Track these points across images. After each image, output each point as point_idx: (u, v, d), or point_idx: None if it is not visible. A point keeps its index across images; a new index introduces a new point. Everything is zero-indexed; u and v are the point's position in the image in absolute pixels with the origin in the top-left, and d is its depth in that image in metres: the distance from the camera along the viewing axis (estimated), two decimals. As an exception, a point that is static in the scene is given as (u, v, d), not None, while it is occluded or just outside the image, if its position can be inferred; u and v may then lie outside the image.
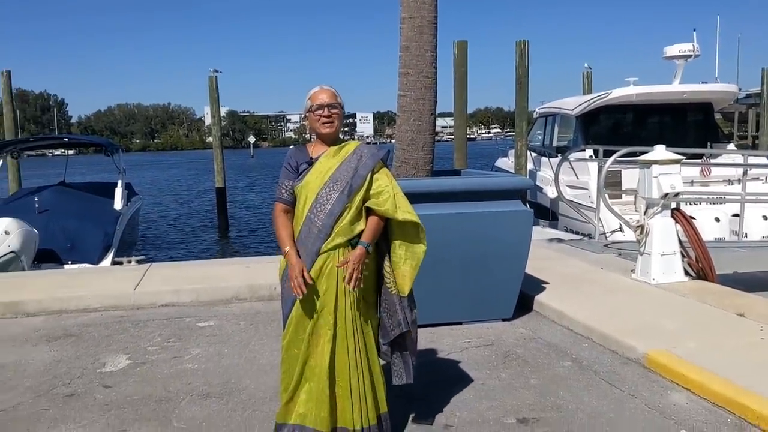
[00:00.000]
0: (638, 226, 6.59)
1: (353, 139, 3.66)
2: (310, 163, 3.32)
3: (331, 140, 3.36)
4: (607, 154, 9.73)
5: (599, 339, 5.01)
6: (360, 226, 3.25)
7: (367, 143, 3.69)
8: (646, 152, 6.84)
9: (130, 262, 10.59)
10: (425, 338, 5.20)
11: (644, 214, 6.59)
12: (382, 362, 3.45)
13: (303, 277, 3.13)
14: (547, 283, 6.35)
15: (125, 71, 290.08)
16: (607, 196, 8.25)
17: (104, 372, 4.66)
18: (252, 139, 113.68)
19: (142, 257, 11.24)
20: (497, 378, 4.40)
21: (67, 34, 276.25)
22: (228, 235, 20.45)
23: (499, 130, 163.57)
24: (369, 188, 3.27)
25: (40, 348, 5.26)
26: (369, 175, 3.27)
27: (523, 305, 5.85)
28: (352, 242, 3.22)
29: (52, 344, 5.34)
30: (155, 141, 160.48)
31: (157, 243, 18.99)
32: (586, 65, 24.58)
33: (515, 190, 5.52)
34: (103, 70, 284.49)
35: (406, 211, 3.30)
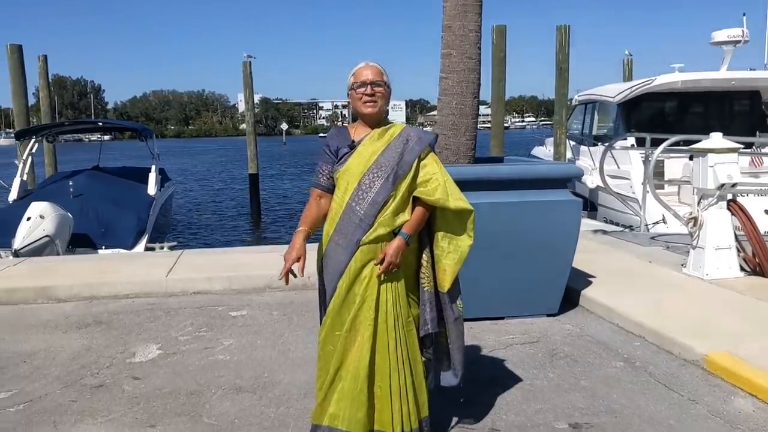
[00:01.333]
0: (691, 218, 6.23)
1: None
2: (352, 146, 3.05)
3: (375, 122, 3.08)
4: (654, 142, 9.32)
5: (653, 338, 4.70)
6: (404, 216, 2.99)
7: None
8: (695, 141, 6.48)
9: (162, 248, 10.51)
10: (468, 334, 4.87)
11: (698, 206, 6.23)
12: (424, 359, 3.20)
13: (293, 267, 2.95)
14: (593, 276, 6.05)
15: (161, 58, 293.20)
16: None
17: (134, 362, 4.51)
18: (284, 126, 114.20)
19: (174, 243, 11.14)
20: (545, 378, 4.13)
21: (103, 20, 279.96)
22: (260, 222, 20.36)
23: (533, 119, 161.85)
24: (416, 176, 3.00)
25: (70, 335, 5.13)
26: (416, 161, 3.00)
27: (569, 300, 5.56)
28: (396, 233, 2.98)
29: (82, 331, 5.21)
30: (189, 127, 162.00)
31: (190, 229, 18.96)
32: (626, 52, 23.94)
33: (564, 179, 5.23)
34: (139, 57, 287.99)
35: (458, 199, 3.03)
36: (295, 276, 2.98)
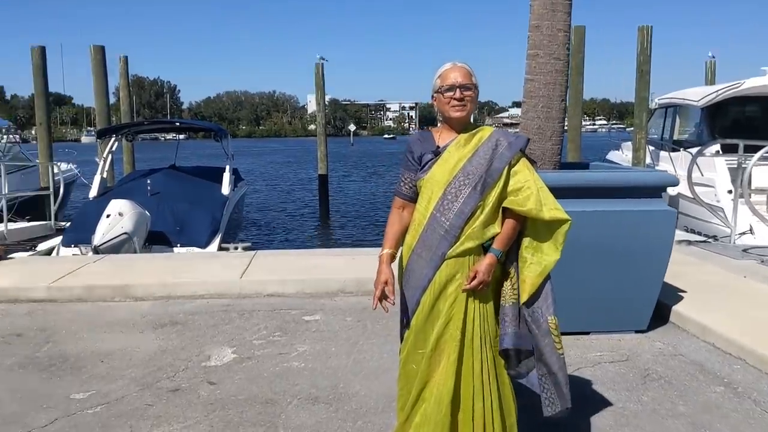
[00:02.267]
0: (793, 232, 5.80)
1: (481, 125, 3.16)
2: (437, 152, 2.84)
3: (462, 126, 2.88)
4: (748, 149, 8.80)
5: (755, 361, 4.35)
6: (494, 228, 2.78)
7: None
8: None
9: (236, 248, 10.57)
10: (550, 348, 4.70)
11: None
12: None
13: (385, 291, 2.79)
14: (684, 291, 5.69)
15: (234, 59, 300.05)
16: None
17: (209, 366, 4.46)
18: (352, 127, 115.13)
19: (248, 244, 11.20)
20: (638, 401, 3.86)
21: (181, 22, 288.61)
22: (329, 223, 20.43)
23: (605, 122, 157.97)
24: (506, 184, 2.78)
25: (147, 335, 5.14)
26: (506, 168, 2.78)
27: (659, 316, 5.24)
28: (486, 246, 2.77)
29: (158, 332, 5.21)
30: (260, 128, 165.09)
31: (260, 229, 19.18)
32: (710, 54, 23.03)
33: (659, 187, 4.91)
34: (213, 58, 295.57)
35: (553, 209, 2.82)
36: (391, 302, 2.82)
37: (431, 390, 2.80)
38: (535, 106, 5.28)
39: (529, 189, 2.79)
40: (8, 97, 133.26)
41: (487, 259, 2.75)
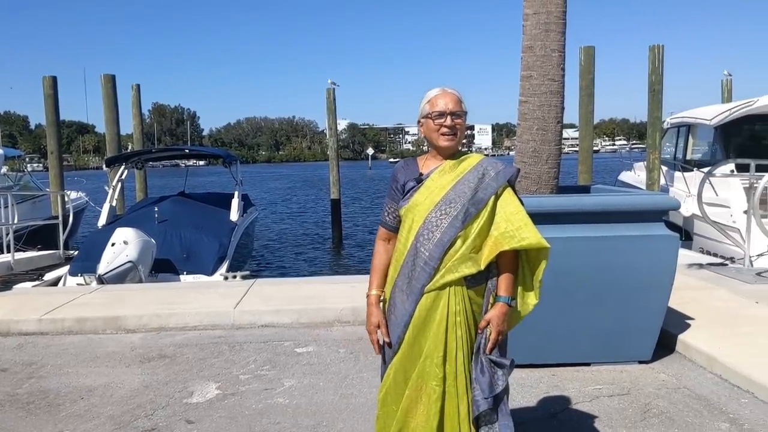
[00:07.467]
0: (806, 255, 5.54)
1: (472, 152, 2.99)
2: (420, 180, 2.69)
3: (449, 154, 2.72)
4: (759, 169, 8.54)
5: (764, 395, 4.10)
6: (476, 261, 2.57)
7: (487, 156, 2.98)
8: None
9: (235, 277, 10.43)
10: (546, 382, 4.50)
11: (814, 241, 5.54)
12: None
13: (378, 334, 2.68)
14: (691, 318, 5.45)
15: (254, 85, 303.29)
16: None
17: (190, 403, 4.29)
18: (370, 151, 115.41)
19: (247, 272, 11.05)
20: (636, 440, 3.64)
21: (202, 50, 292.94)
22: (341, 249, 20.28)
23: (625, 142, 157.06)
24: (492, 216, 2.60)
25: (132, 370, 5.00)
26: (492, 199, 2.61)
27: (664, 345, 5.00)
28: (469, 281, 2.58)
29: (144, 366, 5.07)
30: (279, 153, 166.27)
31: (272, 255, 19.08)
32: (725, 72, 22.67)
33: (659, 211, 4.71)
34: (234, 85, 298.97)
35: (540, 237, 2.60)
36: (389, 345, 2.69)
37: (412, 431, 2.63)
38: (530, 129, 5.12)
39: (514, 224, 2.59)
40: (32, 126, 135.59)
41: (498, 309, 2.58)
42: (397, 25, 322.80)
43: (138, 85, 19.29)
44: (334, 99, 21.76)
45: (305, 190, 51.01)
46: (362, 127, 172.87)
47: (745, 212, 9.23)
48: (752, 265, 8.41)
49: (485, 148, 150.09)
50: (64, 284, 10.37)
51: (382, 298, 2.77)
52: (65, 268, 11.10)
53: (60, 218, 13.36)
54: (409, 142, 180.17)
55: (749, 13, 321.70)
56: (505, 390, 2.63)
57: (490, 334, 2.56)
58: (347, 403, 4.23)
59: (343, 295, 6.59)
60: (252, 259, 15.27)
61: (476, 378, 2.59)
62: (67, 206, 14.46)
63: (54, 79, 15.64)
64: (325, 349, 5.39)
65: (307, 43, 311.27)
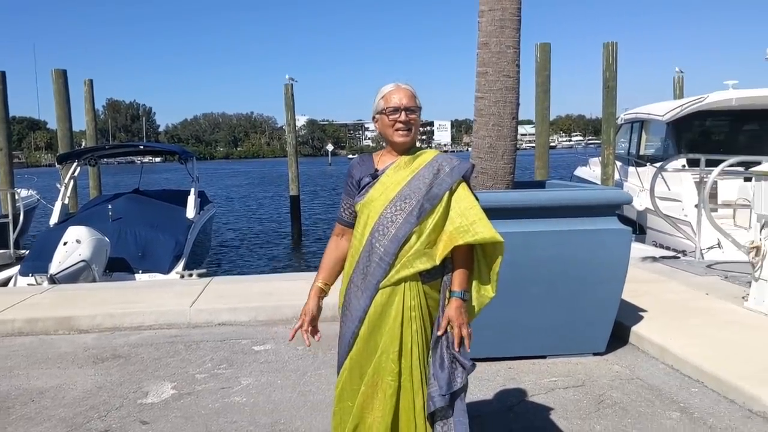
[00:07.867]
0: (753, 248, 5.71)
1: (430, 148, 2.99)
2: (375, 175, 2.69)
3: (405, 150, 2.72)
4: (708, 163, 8.77)
5: (713, 383, 4.21)
6: (431, 256, 2.56)
7: (444, 152, 2.97)
8: (753, 163, 5.97)
9: (191, 275, 10.28)
10: (503, 375, 4.55)
11: (760, 234, 5.71)
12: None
13: (308, 327, 2.77)
14: (644, 311, 5.56)
15: (211, 81, 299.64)
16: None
17: (144, 403, 4.22)
18: (330, 147, 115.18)
19: (204, 270, 10.90)
20: (590, 430, 3.70)
21: (157, 45, 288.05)
22: (301, 245, 20.18)
23: (581, 138, 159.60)
24: (446, 212, 2.60)
25: (85, 371, 4.89)
26: (447, 194, 2.60)
27: (618, 337, 5.10)
28: (424, 276, 2.58)
29: (98, 366, 4.97)
30: (238, 149, 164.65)
31: (230, 252, 18.89)
32: (677, 69, 23.14)
33: (612, 206, 4.79)
34: (190, 80, 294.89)
35: (494, 231, 2.61)
36: (317, 337, 2.80)
37: (367, 428, 2.62)
38: (486, 124, 5.16)
39: (468, 219, 2.59)
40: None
41: (454, 304, 2.56)
42: (359, 20, 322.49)
43: (91, 80, 18.89)
44: (293, 95, 21.64)
45: (264, 186, 50.61)
46: (322, 123, 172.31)
47: (696, 206, 9.48)
48: (703, 258, 8.64)
49: (444, 144, 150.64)
50: (14, 284, 10.11)
51: (325, 293, 2.82)
52: (16, 268, 10.83)
53: (10, 217, 13.01)
54: (369, 138, 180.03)
55: (699, 15, 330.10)
56: (463, 388, 2.64)
57: (453, 331, 2.56)
58: (305, 400, 4.21)
59: (302, 292, 6.46)
60: (209, 257, 15.07)
61: (434, 374, 2.59)
62: (17, 204, 14.07)
63: (2, 74, 15.18)
64: (283, 346, 5.35)
65: (266, 37, 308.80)
